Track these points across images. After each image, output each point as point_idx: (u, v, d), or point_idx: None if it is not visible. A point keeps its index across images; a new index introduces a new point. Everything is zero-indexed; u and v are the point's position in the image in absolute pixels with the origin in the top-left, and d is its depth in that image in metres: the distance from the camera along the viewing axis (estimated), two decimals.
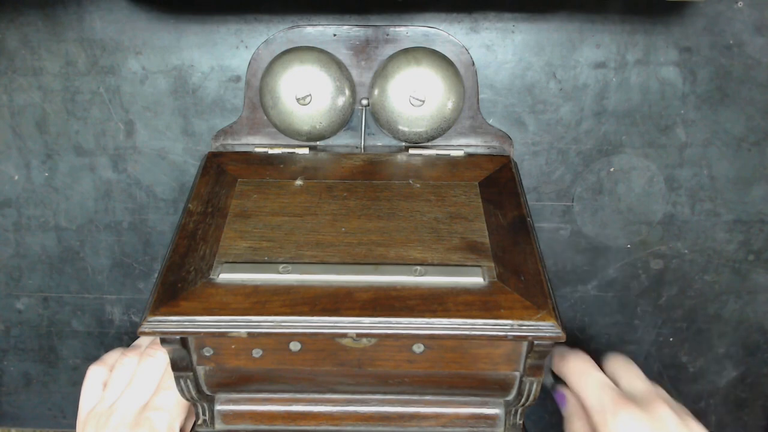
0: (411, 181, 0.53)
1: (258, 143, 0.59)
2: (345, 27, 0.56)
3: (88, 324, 0.70)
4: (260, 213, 0.49)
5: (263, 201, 0.50)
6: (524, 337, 0.41)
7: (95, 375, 0.54)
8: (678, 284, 0.67)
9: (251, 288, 0.42)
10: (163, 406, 0.50)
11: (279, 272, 0.43)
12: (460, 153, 0.57)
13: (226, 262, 0.44)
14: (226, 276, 0.43)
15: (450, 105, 0.56)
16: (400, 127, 0.57)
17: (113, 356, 0.55)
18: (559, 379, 0.53)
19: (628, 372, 0.50)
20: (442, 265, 0.44)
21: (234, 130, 0.59)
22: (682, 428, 0.46)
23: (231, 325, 0.40)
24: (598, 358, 0.52)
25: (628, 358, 0.52)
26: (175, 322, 0.40)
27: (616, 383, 0.49)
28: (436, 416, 0.48)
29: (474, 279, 0.43)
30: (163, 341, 0.42)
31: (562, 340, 0.41)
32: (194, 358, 0.44)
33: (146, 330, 0.40)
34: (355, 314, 0.40)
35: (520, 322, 0.40)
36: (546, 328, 0.40)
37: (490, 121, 0.60)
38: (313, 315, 0.40)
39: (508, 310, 0.41)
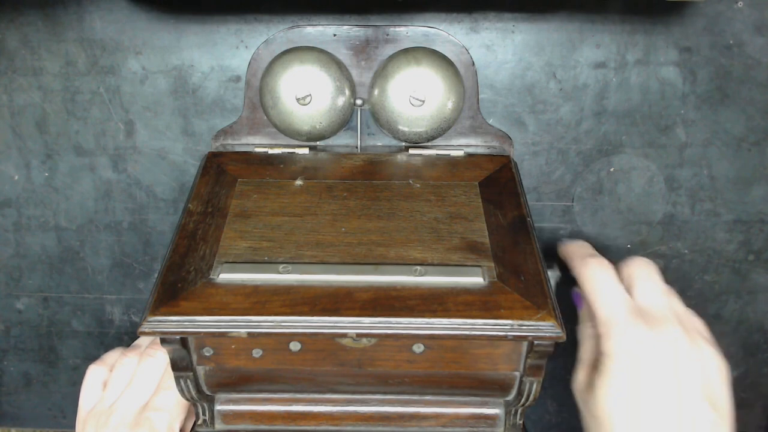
0: (411, 181, 0.53)
1: (258, 143, 0.59)
2: (345, 27, 0.56)
3: (88, 324, 0.70)
4: (260, 213, 0.49)
5: (263, 201, 0.50)
6: (524, 337, 0.41)
7: (95, 375, 0.54)
8: (678, 284, 0.67)
9: (251, 288, 0.42)
10: (163, 406, 0.50)
11: (279, 272, 0.43)
12: (460, 153, 0.57)
13: (226, 262, 0.44)
14: (226, 276, 0.43)
15: (450, 105, 0.56)
16: (400, 127, 0.57)
17: (113, 356, 0.55)
18: (566, 273, 0.51)
19: (645, 281, 0.47)
20: (442, 265, 0.44)
21: (234, 130, 0.59)
22: (692, 352, 0.44)
23: (231, 325, 0.40)
24: (616, 262, 0.50)
25: (650, 262, 0.49)
26: (175, 322, 0.40)
27: (630, 291, 0.47)
28: (436, 416, 0.48)
29: (474, 279, 0.43)
30: (163, 341, 0.42)
31: (562, 340, 0.41)
32: (194, 358, 0.44)
33: (146, 330, 0.40)
34: (355, 314, 0.40)
35: (520, 322, 0.40)
36: (546, 328, 0.40)
37: (490, 121, 0.60)
38: (313, 315, 0.40)
39: (508, 310, 0.41)
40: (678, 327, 0.45)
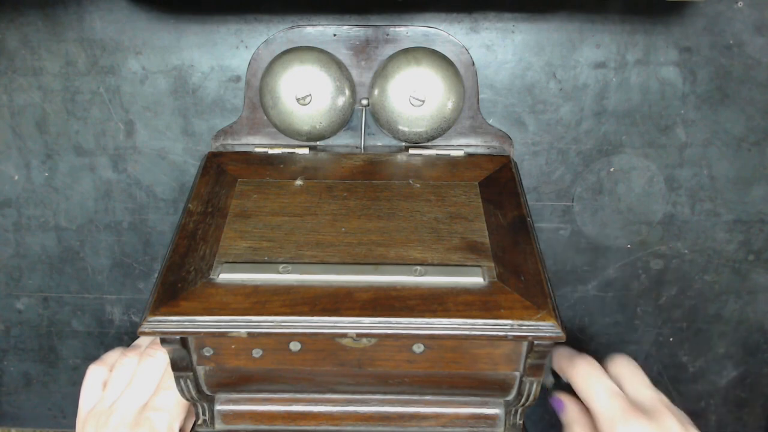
0: (411, 181, 0.53)
1: (258, 143, 0.59)
2: (345, 27, 0.56)
3: (88, 324, 0.70)
4: (260, 213, 0.49)
5: (263, 201, 0.50)
6: (524, 337, 0.41)
7: (95, 375, 0.54)
8: (678, 284, 0.67)
9: (251, 288, 0.42)
10: (163, 406, 0.50)
11: (279, 272, 0.43)
12: (460, 153, 0.57)
13: (226, 262, 0.44)
14: (226, 276, 0.43)
15: (450, 105, 0.56)
16: (400, 127, 0.57)
17: (113, 356, 0.55)
18: (558, 379, 0.53)
19: (633, 377, 0.50)
20: (442, 265, 0.44)
21: (234, 130, 0.59)
22: None
23: (231, 325, 0.40)
24: (599, 359, 0.52)
25: (632, 359, 0.51)
26: (175, 322, 0.40)
27: (620, 387, 0.49)
28: (436, 416, 0.48)
29: (474, 279, 0.43)
30: (163, 341, 0.42)
31: (562, 340, 0.41)
32: (194, 358, 0.44)
33: (146, 330, 0.40)
34: (355, 314, 0.40)
35: (520, 322, 0.40)
36: (546, 328, 0.40)
37: (490, 121, 0.60)
38: (313, 315, 0.40)
39: (508, 310, 0.41)
40: (672, 417, 0.47)
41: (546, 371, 0.52)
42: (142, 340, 0.55)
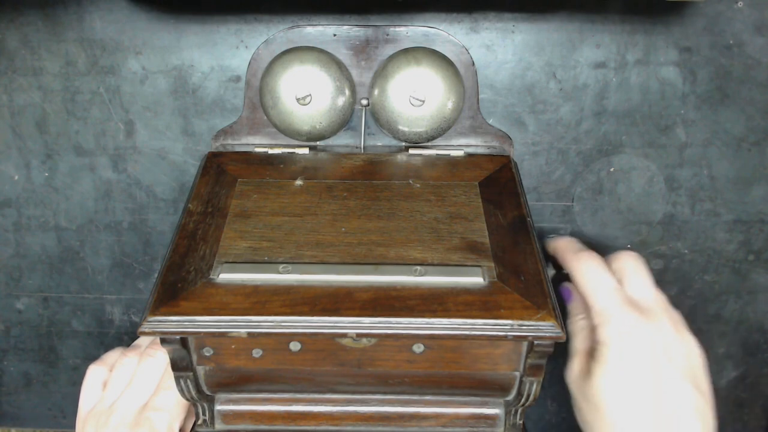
0: (411, 181, 0.53)
1: (258, 143, 0.59)
2: (345, 27, 0.56)
3: (88, 324, 0.70)
4: (260, 213, 0.49)
5: (263, 201, 0.50)
6: (524, 337, 0.41)
7: (95, 375, 0.54)
8: (678, 284, 0.67)
9: (251, 288, 0.42)
10: (162, 406, 0.50)
11: (279, 272, 0.43)
12: (460, 153, 0.57)
13: (226, 262, 0.44)
14: (226, 276, 0.43)
15: (450, 105, 0.56)
16: (400, 127, 0.57)
17: (113, 356, 0.55)
18: (560, 270, 0.53)
19: (635, 274, 0.50)
20: (442, 265, 0.44)
21: (234, 130, 0.59)
22: (678, 340, 0.48)
23: (231, 325, 0.40)
24: (604, 254, 0.52)
25: (637, 256, 0.51)
26: (175, 322, 0.40)
27: (621, 282, 0.49)
28: (436, 416, 0.48)
29: (474, 279, 0.43)
30: (163, 341, 0.42)
31: (562, 340, 0.41)
32: (194, 358, 0.44)
33: (146, 330, 0.40)
34: (355, 314, 0.40)
35: (520, 322, 0.40)
36: (546, 328, 0.40)
37: (490, 121, 0.60)
38: (313, 315, 0.40)
39: (508, 310, 0.41)
40: (666, 317, 0.48)
41: (547, 263, 0.53)
42: (142, 340, 0.55)
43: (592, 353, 0.48)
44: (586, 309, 0.50)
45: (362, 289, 0.42)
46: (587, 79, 0.59)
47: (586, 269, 0.50)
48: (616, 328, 0.47)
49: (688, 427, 0.45)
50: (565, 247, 0.53)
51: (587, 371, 0.48)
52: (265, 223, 0.48)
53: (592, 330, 0.49)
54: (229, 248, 0.46)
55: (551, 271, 0.54)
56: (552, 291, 0.43)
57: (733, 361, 0.70)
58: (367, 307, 0.41)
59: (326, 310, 0.41)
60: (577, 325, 0.51)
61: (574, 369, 0.50)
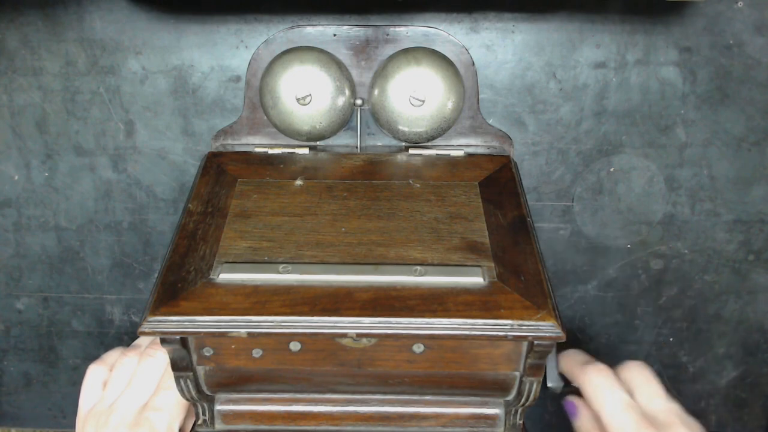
0: (411, 181, 0.53)
1: (258, 143, 0.59)
2: (345, 27, 0.56)
3: (88, 324, 0.70)
4: (260, 213, 0.49)
5: (263, 201, 0.50)
6: (524, 337, 0.41)
7: (95, 374, 0.54)
8: (678, 284, 0.67)
9: (251, 288, 0.42)
10: (162, 406, 0.50)
11: (279, 272, 0.43)
12: (460, 153, 0.57)
13: (226, 262, 0.44)
14: (226, 276, 0.43)
15: (450, 105, 0.56)
16: (400, 127, 0.57)
17: (113, 356, 0.55)
18: (567, 384, 0.51)
19: (646, 386, 0.48)
20: (442, 265, 0.44)
21: (234, 130, 0.59)
22: None
23: (231, 325, 0.40)
24: (611, 364, 0.51)
25: (646, 366, 0.50)
26: (175, 322, 0.40)
27: (632, 395, 0.48)
28: (436, 416, 0.48)
29: (474, 279, 0.43)
30: (163, 341, 0.42)
31: (562, 340, 0.41)
32: (194, 358, 0.44)
33: (146, 330, 0.40)
34: (355, 314, 0.40)
35: (520, 322, 0.40)
36: (546, 328, 0.40)
37: (490, 121, 0.60)
38: (313, 315, 0.40)
39: (508, 310, 0.41)
40: (683, 430, 0.46)
41: (553, 375, 0.52)
42: (142, 340, 0.55)
43: None
44: (598, 425, 0.48)
45: (362, 289, 0.42)
46: (587, 79, 0.59)
47: (596, 384, 0.47)
48: None
49: None
50: (571, 361, 0.50)
51: None
52: (265, 223, 0.48)
53: None
54: (229, 248, 0.46)
55: (560, 385, 0.52)
56: (552, 291, 0.43)
57: (733, 361, 0.70)
58: (367, 307, 0.41)
59: (326, 310, 0.41)
60: None
61: None
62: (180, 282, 0.43)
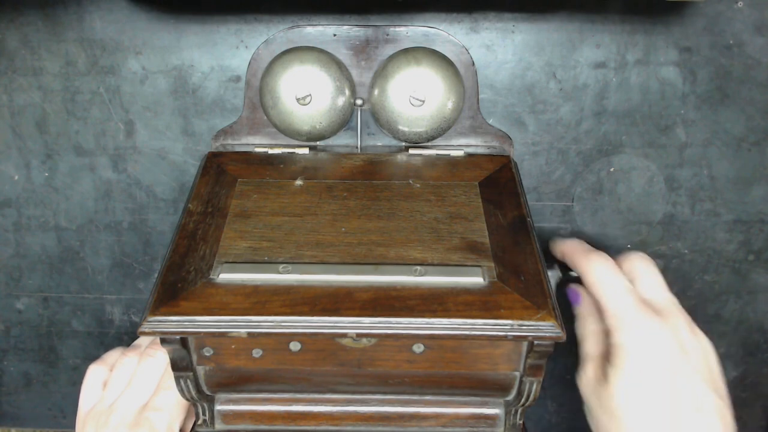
0: (411, 181, 0.53)
1: (258, 143, 0.59)
2: (345, 27, 0.56)
3: (88, 324, 0.70)
4: (260, 213, 0.49)
5: (263, 201, 0.50)
6: (524, 337, 0.41)
7: (95, 374, 0.54)
8: (678, 284, 0.67)
9: (251, 288, 0.42)
10: (162, 406, 0.50)
11: (279, 272, 0.43)
12: (460, 153, 0.57)
13: (226, 262, 0.44)
14: (226, 276, 0.43)
15: (450, 105, 0.56)
16: (400, 127, 0.57)
17: (113, 356, 0.55)
18: (568, 272, 0.52)
19: (647, 276, 0.49)
20: (442, 265, 0.44)
21: (234, 130, 0.59)
22: (694, 341, 0.47)
23: (231, 325, 0.40)
24: (614, 255, 0.51)
25: (648, 258, 0.50)
26: (175, 322, 0.40)
27: (633, 284, 0.48)
28: (436, 416, 0.48)
29: (474, 279, 0.43)
30: (163, 341, 0.42)
31: (562, 340, 0.41)
32: (194, 358, 0.44)
33: (146, 330, 0.40)
34: (355, 314, 0.40)
35: (520, 322, 0.40)
36: (546, 328, 0.40)
37: (490, 121, 0.60)
38: (313, 315, 0.40)
39: (508, 310, 0.41)
40: (681, 318, 0.47)
41: (553, 265, 0.52)
42: (142, 340, 0.55)
43: (607, 357, 0.47)
44: (598, 312, 0.49)
45: (362, 289, 0.42)
46: (587, 79, 0.59)
47: (598, 271, 0.48)
48: (632, 331, 0.45)
49: (710, 430, 0.44)
50: (573, 249, 0.51)
51: (602, 377, 0.47)
52: (265, 223, 0.48)
53: (606, 333, 0.47)
54: (229, 248, 0.46)
55: (557, 273, 0.53)
56: (552, 291, 0.43)
57: (733, 361, 0.70)
58: (367, 307, 0.41)
59: (326, 310, 0.41)
60: (588, 328, 0.50)
61: (587, 374, 0.48)
62: (180, 282, 0.43)
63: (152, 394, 0.51)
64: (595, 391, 0.47)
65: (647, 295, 0.48)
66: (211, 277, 0.43)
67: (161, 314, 0.41)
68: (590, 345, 0.49)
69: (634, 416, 0.44)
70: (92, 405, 0.52)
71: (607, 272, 0.48)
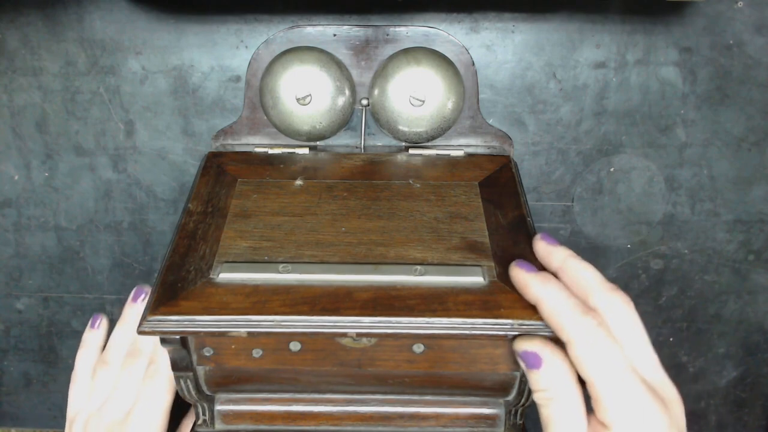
0: (411, 181, 0.53)
1: (258, 143, 0.59)
2: (345, 27, 0.56)
3: None
4: (260, 213, 0.49)
5: (263, 201, 0.50)
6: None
7: (84, 362, 0.53)
8: (678, 284, 0.67)
9: (251, 288, 0.42)
10: (141, 414, 0.48)
11: (279, 272, 0.43)
12: (460, 153, 0.57)
13: (226, 262, 0.44)
14: (225, 276, 0.43)
15: (450, 105, 0.56)
16: (400, 127, 0.57)
17: (114, 352, 0.54)
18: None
19: (637, 340, 0.39)
20: (442, 265, 0.44)
21: (234, 130, 0.59)
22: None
23: (231, 324, 0.40)
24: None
25: (633, 308, 0.40)
26: (174, 322, 0.40)
27: (615, 341, 0.38)
28: (436, 416, 0.48)
29: (474, 279, 0.43)
30: (163, 341, 0.42)
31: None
32: (194, 358, 0.44)
33: (146, 329, 0.40)
34: (355, 314, 0.40)
35: (520, 321, 0.40)
36: (546, 327, 0.40)
37: (490, 121, 0.60)
38: (313, 315, 0.40)
39: (508, 310, 0.41)
40: (681, 409, 0.38)
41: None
42: (144, 344, 0.54)
43: None
44: (575, 384, 0.38)
45: (362, 289, 0.42)
46: (587, 79, 0.59)
47: (583, 336, 0.36)
48: (627, 413, 0.35)
49: None
50: (548, 290, 0.39)
51: None
52: (265, 222, 0.48)
53: (576, 407, 0.37)
54: (229, 248, 0.46)
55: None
56: None
57: (733, 361, 0.70)
58: (367, 306, 0.41)
59: (326, 309, 0.41)
60: (563, 402, 0.38)
61: None
62: (180, 282, 0.43)
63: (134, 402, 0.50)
64: None
65: (639, 367, 0.38)
66: (210, 276, 0.43)
67: (161, 314, 0.41)
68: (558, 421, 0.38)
69: None
70: (82, 407, 0.52)
71: (597, 341, 0.36)
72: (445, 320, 0.40)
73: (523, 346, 0.39)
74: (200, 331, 0.41)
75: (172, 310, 0.41)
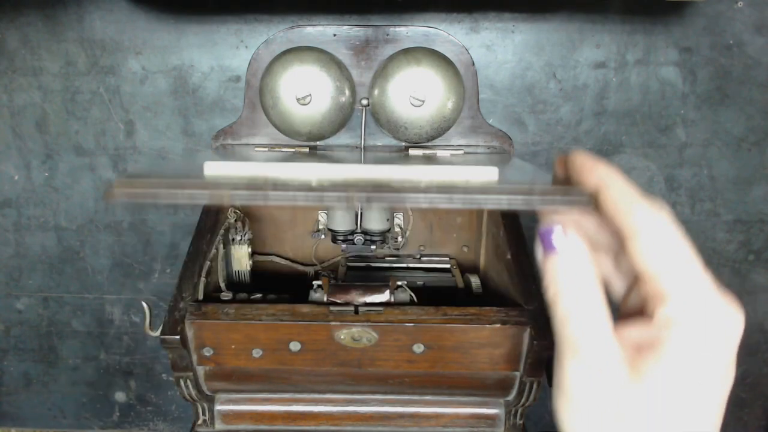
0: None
1: (258, 143, 0.59)
2: (345, 27, 0.56)
3: (88, 324, 0.70)
4: None
5: None
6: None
7: None
8: None
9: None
10: None
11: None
12: (460, 153, 0.57)
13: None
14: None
15: (450, 105, 0.56)
16: (400, 127, 0.57)
17: None
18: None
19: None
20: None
21: (234, 130, 0.59)
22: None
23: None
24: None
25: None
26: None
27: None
28: (436, 416, 0.48)
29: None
30: (163, 341, 0.42)
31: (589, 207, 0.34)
32: (194, 358, 0.44)
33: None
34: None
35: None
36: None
37: (490, 121, 0.60)
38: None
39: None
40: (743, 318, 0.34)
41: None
42: None
43: (639, 350, 0.27)
44: (604, 260, 0.32)
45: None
46: (587, 79, 0.59)
47: (622, 194, 0.30)
48: (695, 307, 0.30)
49: None
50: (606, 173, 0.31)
51: (630, 371, 0.30)
52: None
53: (625, 304, 0.32)
54: None
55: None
56: None
57: None
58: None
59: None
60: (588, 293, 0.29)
61: (590, 367, 0.28)
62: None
63: None
64: (602, 394, 0.31)
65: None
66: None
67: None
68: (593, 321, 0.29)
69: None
70: None
71: (670, 228, 0.30)
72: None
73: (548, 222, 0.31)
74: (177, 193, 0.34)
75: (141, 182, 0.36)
